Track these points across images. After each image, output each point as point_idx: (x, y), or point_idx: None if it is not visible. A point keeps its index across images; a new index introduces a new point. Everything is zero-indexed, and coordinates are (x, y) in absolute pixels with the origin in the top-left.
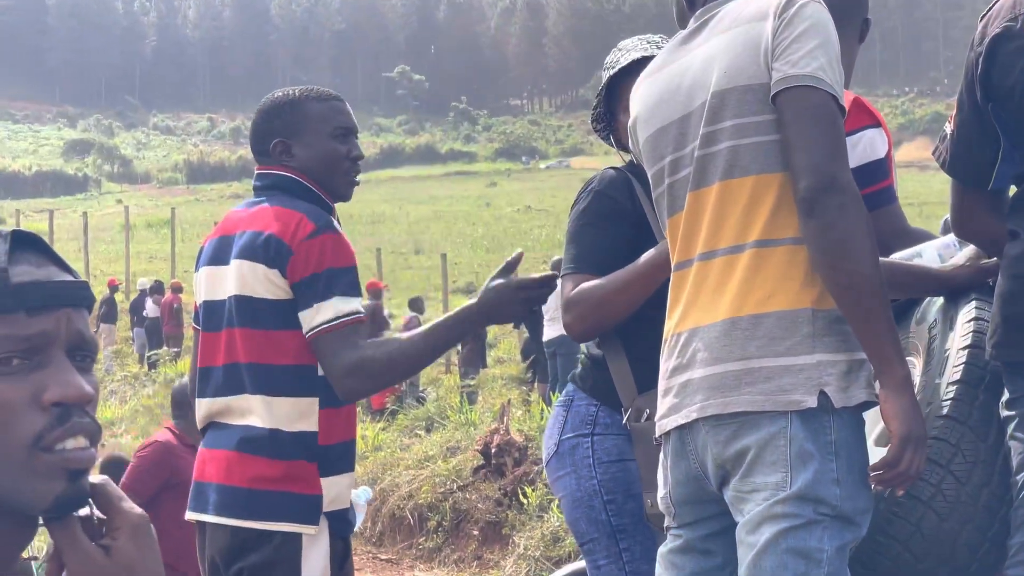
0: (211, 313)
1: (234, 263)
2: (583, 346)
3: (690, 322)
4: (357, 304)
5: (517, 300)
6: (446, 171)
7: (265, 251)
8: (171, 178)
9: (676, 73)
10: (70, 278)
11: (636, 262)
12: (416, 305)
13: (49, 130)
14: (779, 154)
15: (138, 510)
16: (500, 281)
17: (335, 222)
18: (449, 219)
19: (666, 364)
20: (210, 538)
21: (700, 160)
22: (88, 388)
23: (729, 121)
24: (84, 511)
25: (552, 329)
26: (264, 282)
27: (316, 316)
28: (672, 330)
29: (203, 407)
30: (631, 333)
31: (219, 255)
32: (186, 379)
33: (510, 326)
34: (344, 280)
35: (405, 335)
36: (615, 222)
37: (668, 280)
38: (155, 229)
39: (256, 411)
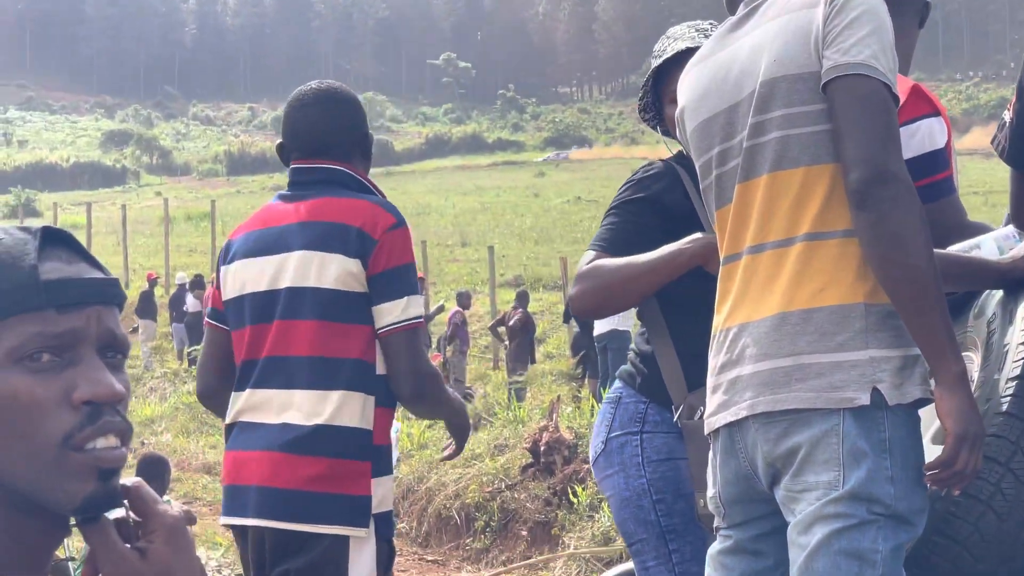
0: (256, 305)
1: (298, 254)
2: (633, 341)
3: (739, 317)
4: (422, 309)
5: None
6: (493, 161)
7: (346, 242)
8: (211, 169)
9: (724, 62)
10: (100, 275)
11: (652, 253)
12: (463, 300)
13: (87, 121)
14: (830, 144)
15: (174, 511)
16: None
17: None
18: (496, 210)
19: (715, 360)
20: (253, 542)
21: (749, 151)
22: (119, 387)
23: (778, 111)
24: (119, 513)
25: (603, 323)
26: (341, 273)
27: (395, 311)
28: (721, 325)
29: (240, 400)
30: (681, 328)
31: (264, 247)
32: None
33: (559, 320)
34: (415, 279)
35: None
36: (648, 214)
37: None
38: (195, 222)
39: (305, 406)
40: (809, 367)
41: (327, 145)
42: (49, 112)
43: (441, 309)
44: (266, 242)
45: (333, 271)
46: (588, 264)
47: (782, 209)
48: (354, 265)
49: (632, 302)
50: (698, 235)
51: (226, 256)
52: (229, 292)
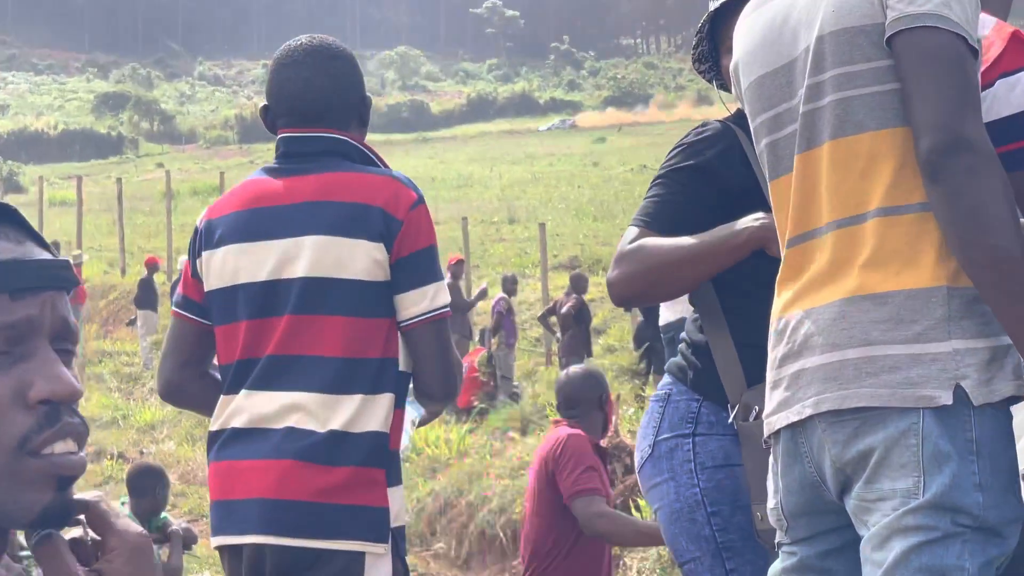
0: (254, 297)
1: (314, 239)
2: (685, 331)
3: (803, 303)
4: (448, 298)
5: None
6: (545, 125)
7: (369, 224)
8: (220, 136)
9: (781, 9)
10: (50, 256)
11: (705, 235)
12: (508, 285)
13: (77, 82)
14: (899, 105)
15: (137, 529)
16: None
17: None
18: (549, 181)
19: (775, 352)
20: (250, 564)
21: (807, 116)
22: (78, 384)
23: (839, 68)
24: (76, 531)
25: (670, 310)
26: (365, 260)
27: (423, 302)
28: (781, 312)
29: (231, 404)
30: (740, 314)
31: (262, 230)
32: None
33: (620, 308)
34: (436, 258)
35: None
36: (700, 184)
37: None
38: (202, 197)
39: (317, 410)
40: (882, 359)
41: (323, 110)
42: (34, 72)
43: (484, 294)
44: (264, 224)
45: (360, 260)
46: (630, 243)
47: (849, 181)
48: (378, 251)
49: (680, 290)
50: (760, 215)
51: (209, 239)
52: (215, 281)
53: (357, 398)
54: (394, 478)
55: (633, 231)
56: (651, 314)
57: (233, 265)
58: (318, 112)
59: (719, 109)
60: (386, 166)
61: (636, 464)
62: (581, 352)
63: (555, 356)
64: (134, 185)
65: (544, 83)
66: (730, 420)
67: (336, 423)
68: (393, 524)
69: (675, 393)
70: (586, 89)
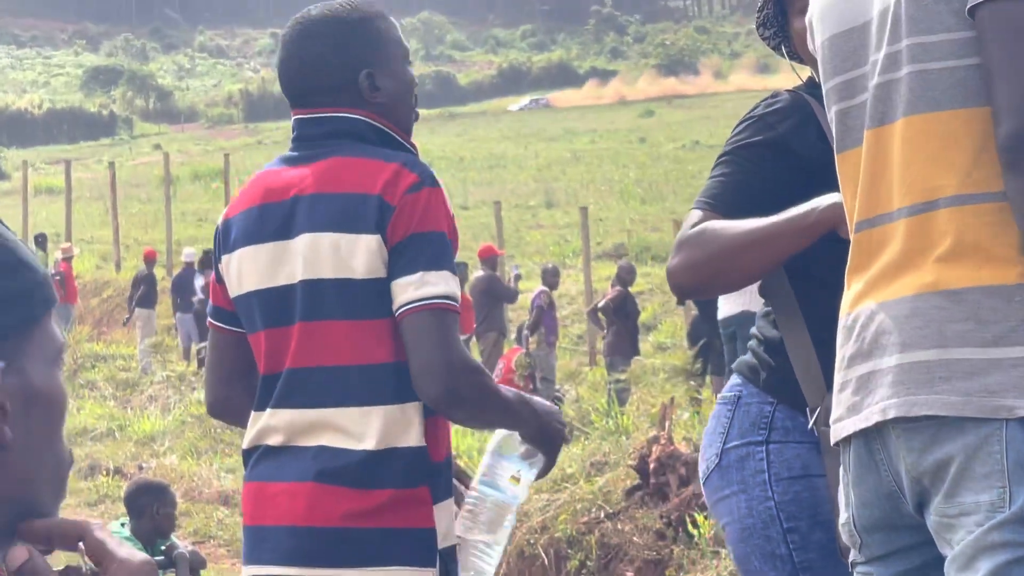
0: (268, 305)
1: (310, 237)
2: (756, 326)
3: (872, 297)
4: (456, 289)
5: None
6: (585, 97)
7: (367, 215)
8: (224, 115)
9: None
10: (28, 277)
11: (776, 216)
12: (549, 277)
13: (64, 55)
14: (980, 83)
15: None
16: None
17: (435, 172)
18: (591, 161)
19: (843, 350)
20: None
21: (881, 89)
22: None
23: (916, 38)
24: (73, 559)
25: (730, 303)
26: (365, 256)
27: (409, 288)
28: (850, 307)
29: (259, 422)
30: (818, 306)
31: (270, 228)
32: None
33: (673, 301)
34: (448, 250)
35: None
36: (771, 160)
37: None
38: (204, 182)
39: (349, 427)
40: (957, 363)
41: (326, 88)
42: (16, 45)
43: (519, 278)
44: (272, 221)
45: (360, 256)
46: (692, 228)
47: (924, 164)
48: (375, 242)
49: (746, 278)
50: (833, 195)
51: (226, 241)
52: (234, 288)
53: (383, 409)
54: (441, 493)
55: (696, 214)
56: (707, 308)
57: (246, 269)
58: (321, 89)
59: (785, 78)
60: (413, 148)
61: (701, 474)
62: (627, 350)
63: (599, 355)
64: (128, 170)
65: (584, 51)
66: (809, 426)
67: (371, 441)
68: (441, 545)
69: (745, 395)
70: (631, 57)
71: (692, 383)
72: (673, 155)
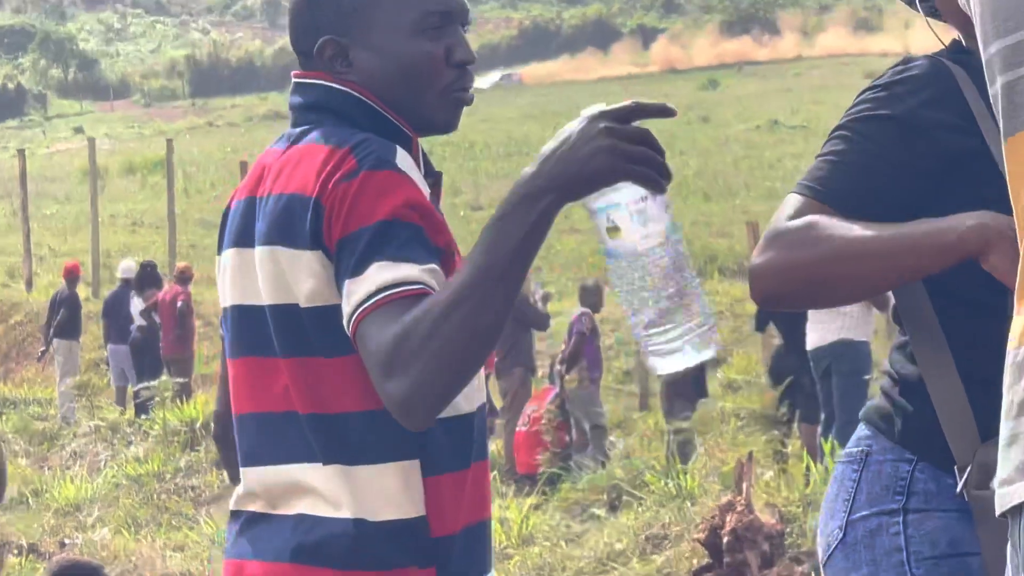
0: (245, 328)
1: (259, 252)
2: (889, 361)
3: None
4: (412, 271)
5: (600, 143)
6: (632, 64)
7: (292, 223)
8: (165, 89)
9: None
10: None
11: (906, 226)
12: (590, 296)
13: None
14: None
15: None
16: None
17: (400, 157)
18: None
19: (1010, 394)
20: None
21: None
22: None
23: None
24: None
25: (822, 329)
26: (307, 278)
27: (348, 302)
28: (1020, 339)
29: (244, 475)
30: (969, 338)
31: (244, 230)
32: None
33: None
34: (395, 236)
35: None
36: (899, 142)
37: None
38: (141, 176)
39: (325, 492)
40: None
41: (305, 52)
42: None
43: (547, 298)
44: (245, 221)
45: (302, 278)
46: (790, 220)
47: None
48: (317, 260)
49: (852, 297)
50: (985, 213)
51: (221, 236)
52: (223, 297)
53: (369, 470)
54: (453, 572)
55: (795, 201)
56: (795, 335)
57: (229, 278)
58: (300, 52)
59: (890, 38)
60: (409, 130)
61: (821, 554)
62: (690, 392)
63: (654, 398)
64: (42, 160)
65: (628, 4)
66: (958, 488)
67: (354, 508)
68: None
69: (876, 451)
70: (688, 12)
71: (775, 432)
72: (744, 139)
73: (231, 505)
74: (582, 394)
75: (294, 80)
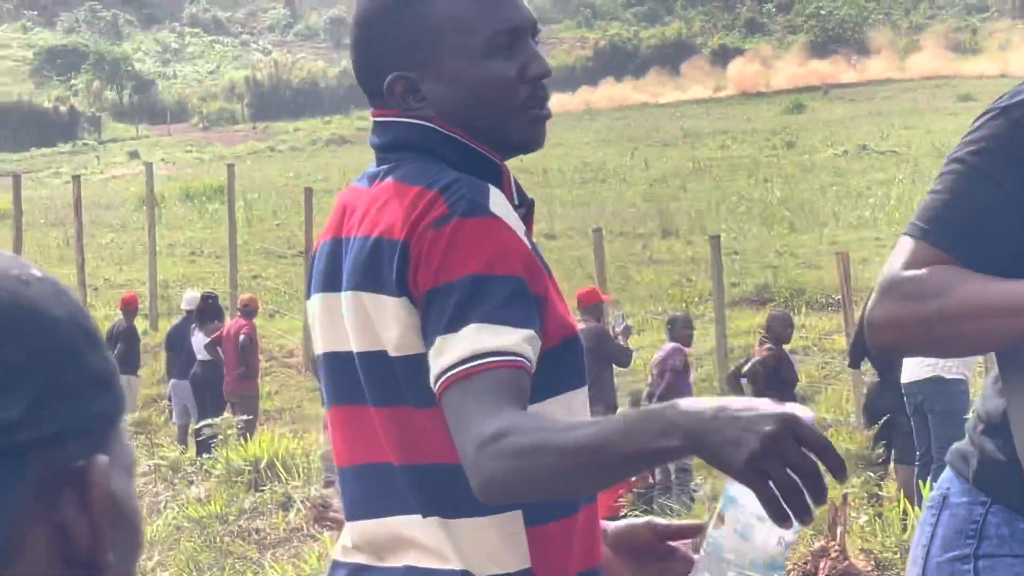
0: (338, 376)
1: (345, 297)
2: (981, 395)
3: None
4: (513, 339)
5: (752, 444)
6: (714, 87)
7: (378, 268)
8: (224, 112)
9: None
10: None
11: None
12: (680, 329)
13: (8, 33)
14: None
15: None
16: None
17: (494, 198)
18: (721, 172)
19: None
20: None
21: None
22: None
23: None
24: None
25: (916, 362)
26: (395, 325)
27: (439, 358)
28: None
29: (344, 536)
30: None
31: (330, 274)
32: None
33: (840, 363)
34: (494, 293)
35: (568, 422)
36: (1014, 172)
37: None
38: (200, 203)
39: (429, 544)
40: None
41: (374, 91)
42: None
43: (629, 332)
44: (333, 264)
45: (391, 325)
46: (906, 267)
47: None
48: (403, 307)
49: (973, 352)
50: None
51: (309, 280)
52: (316, 343)
53: (468, 523)
54: None
55: (908, 245)
56: (890, 371)
57: (319, 324)
58: (377, 93)
59: (988, 59)
60: (499, 161)
61: None
62: None
63: None
64: (96, 186)
65: (708, 25)
66: None
67: (460, 560)
68: None
69: (953, 494)
70: (773, 32)
71: (870, 474)
72: (832, 165)
73: (333, 555)
74: None
75: (372, 120)
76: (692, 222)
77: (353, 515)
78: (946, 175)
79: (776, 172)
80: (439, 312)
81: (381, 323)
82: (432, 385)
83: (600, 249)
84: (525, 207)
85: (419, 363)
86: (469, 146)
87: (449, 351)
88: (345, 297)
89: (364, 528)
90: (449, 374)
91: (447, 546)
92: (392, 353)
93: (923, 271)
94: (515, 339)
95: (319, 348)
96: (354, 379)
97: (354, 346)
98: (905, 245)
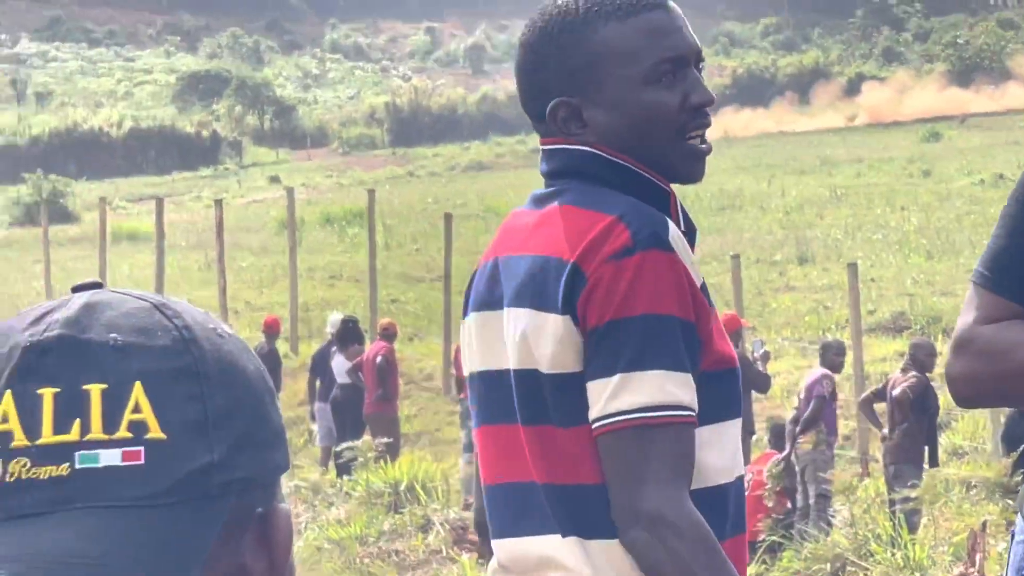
0: (490, 394)
1: (505, 313)
2: None
3: None
4: (686, 395)
5: None
6: (849, 115)
7: (544, 285)
8: (364, 137)
9: None
10: None
11: None
12: (831, 355)
13: (151, 58)
14: None
15: None
16: None
17: (672, 230)
18: (858, 200)
19: None
20: None
21: None
22: None
23: None
24: None
25: None
26: (552, 343)
27: (612, 398)
28: None
29: (494, 555)
30: None
31: (490, 293)
32: None
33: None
34: (674, 336)
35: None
36: None
37: None
38: (339, 227)
39: (570, 564)
40: None
41: (538, 116)
42: (88, 43)
43: (767, 357)
44: (494, 284)
45: (546, 343)
46: (976, 320)
47: None
48: (563, 325)
49: None
50: None
51: (466, 300)
52: (466, 362)
53: (606, 546)
54: None
55: (972, 294)
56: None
57: (475, 343)
58: (534, 116)
59: None
60: (667, 188)
61: None
62: (919, 456)
63: (875, 463)
64: (237, 210)
65: (847, 52)
66: None
67: None
68: None
69: (1019, 530)
70: (910, 60)
71: (1010, 502)
72: (969, 194)
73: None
74: (817, 458)
75: (541, 148)
76: (828, 249)
77: (498, 533)
78: (1005, 217)
79: (912, 200)
80: (618, 345)
81: (537, 340)
82: (600, 419)
83: (737, 275)
84: (691, 235)
85: (570, 382)
86: (637, 172)
87: (633, 391)
88: (505, 314)
89: (508, 546)
90: (631, 416)
91: (586, 567)
92: (544, 370)
93: (992, 329)
94: (689, 397)
95: (473, 366)
96: (506, 398)
97: (511, 363)
98: (972, 295)
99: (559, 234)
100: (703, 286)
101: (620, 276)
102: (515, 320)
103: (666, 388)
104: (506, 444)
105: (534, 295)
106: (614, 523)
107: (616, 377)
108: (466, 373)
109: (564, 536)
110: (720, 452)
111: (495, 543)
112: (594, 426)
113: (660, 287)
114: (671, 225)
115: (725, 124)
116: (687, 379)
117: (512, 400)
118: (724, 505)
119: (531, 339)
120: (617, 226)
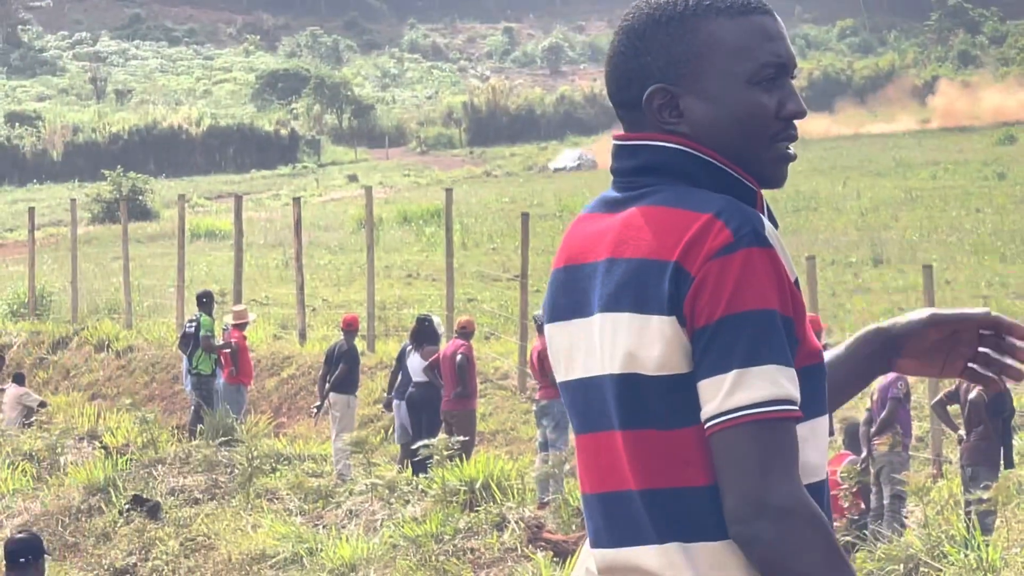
0: (586, 402)
1: (599, 319)
2: None
3: None
4: (794, 389)
5: None
6: (924, 118)
7: (643, 288)
8: (441, 136)
9: None
10: None
11: None
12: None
13: (230, 57)
14: None
15: None
16: None
17: (768, 227)
18: (933, 201)
19: None
20: None
21: None
22: None
23: None
24: None
25: None
26: (658, 345)
27: (729, 395)
28: None
29: (588, 558)
30: None
31: (570, 301)
32: None
33: None
34: (776, 333)
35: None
36: None
37: None
38: (416, 226)
39: (664, 573)
40: None
41: (632, 103)
42: (168, 42)
43: None
44: (574, 290)
45: (651, 346)
46: None
47: None
48: (670, 327)
49: None
50: None
51: (545, 308)
52: (556, 370)
53: (711, 547)
54: None
55: None
56: None
57: (559, 351)
58: (624, 104)
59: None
60: (754, 186)
61: None
62: (996, 459)
63: (950, 463)
64: (315, 208)
65: (923, 55)
66: None
67: None
68: None
69: None
70: (986, 63)
71: None
72: None
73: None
74: (893, 459)
75: (616, 143)
76: (903, 251)
77: (595, 543)
78: None
79: (987, 203)
80: (731, 342)
81: (640, 343)
82: (717, 416)
83: (813, 277)
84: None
85: (678, 384)
86: (727, 171)
87: (749, 387)
88: (601, 319)
89: (604, 556)
90: (750, 412)
91: (683, 572)
92: (648, 373)
93: None
94: (797, 386)
95: (562, 375)
96: (602, 405)
97: (607, 368)
98: None
99: (652, 236)
100: (796, 281)
101: (726, 273)
102: (612, 325)
103: (780, 382)
104: (602, 452)
105: (634, 299)
106: (722, 524)
107: (732, 373)
108: (559, 382)
109: (662, 543)
110: (815, 448)
111: (592, 552)
112: (710, 423)
113: (764, 283)
114: (766, 221)
115: (801, 125)
116: (793, 374)
117: (606, 407)
118: (820, 502)
119: (633, 343)
120: (715, 223)
